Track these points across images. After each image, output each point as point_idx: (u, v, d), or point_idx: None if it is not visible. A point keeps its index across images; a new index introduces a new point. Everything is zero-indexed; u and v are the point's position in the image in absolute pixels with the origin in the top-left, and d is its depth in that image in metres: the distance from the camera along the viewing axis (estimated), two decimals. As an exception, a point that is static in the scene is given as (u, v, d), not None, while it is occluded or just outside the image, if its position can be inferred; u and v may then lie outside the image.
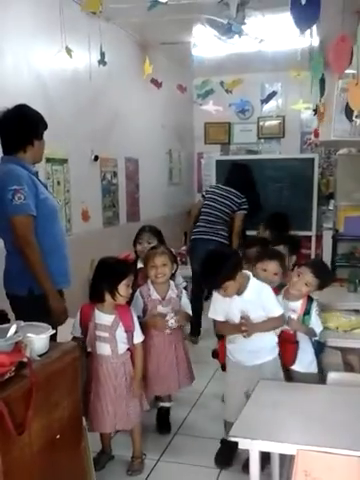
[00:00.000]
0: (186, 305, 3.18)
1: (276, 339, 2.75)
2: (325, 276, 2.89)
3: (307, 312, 2.82)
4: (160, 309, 3.07)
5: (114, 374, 2.72)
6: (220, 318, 2.75)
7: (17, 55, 3.93)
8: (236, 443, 2.79)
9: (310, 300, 2.87)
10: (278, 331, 2.77)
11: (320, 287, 2.87)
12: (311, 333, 2.83)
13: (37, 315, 2.18)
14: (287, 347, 2.77)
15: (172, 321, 3.02)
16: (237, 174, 5.49)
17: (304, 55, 4.09)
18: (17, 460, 1.66)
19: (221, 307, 2.73)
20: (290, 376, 2.80)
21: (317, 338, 2.85)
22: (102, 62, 4.22)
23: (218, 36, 4.40)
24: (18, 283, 2.68)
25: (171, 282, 3.16)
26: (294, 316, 2.81)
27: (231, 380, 2.82)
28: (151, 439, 3.12)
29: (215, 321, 2.83)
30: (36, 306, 2.54)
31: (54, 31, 4.05)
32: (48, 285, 2.61)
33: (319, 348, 2.89)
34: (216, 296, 2.74)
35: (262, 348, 2.71)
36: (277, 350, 2.76)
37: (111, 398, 2.71)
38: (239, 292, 2.64)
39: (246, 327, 2.62)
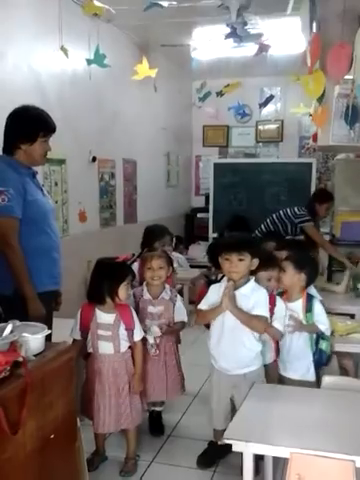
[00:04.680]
0: (180, 310, 3.11)
1: (260, 346, 2.71)
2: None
3: (309, 310, 2.81)
4: (150, 310, 3.06)
5: (116, 373, 2.72)
6: (205, 308, 2.74)
7: (17, 55, 3.94)
8: (222, 448, 2.82)
9: (310, 298, 2.86)
10: (265, 336, 2.76)
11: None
12: (314, 329, 2.79)
13: (23, 315, 2.16)
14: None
15: (155, 329, 2.98)
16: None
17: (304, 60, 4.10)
18: (11, 460, 1.65)
19: (213, 301, 2.69)
20: (284, 383, 2.77)
21: (321, 331, 2.78)
22: (100, 64, 4.16)
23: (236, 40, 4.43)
24: (4, 282, 2.63)
25: (166, 285, 3.14)
26: (297, 316, 2.79)
27: (215, 387, 2.82)
28: (145, 441, 3.12)
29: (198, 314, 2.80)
30: (22, 306, 2.51)
31: (54, 32, 4.05)
32: (27, 288, 2.55)
33: (323, 358, 2.81)
34: (212, 290, 2.74)
35: (246, 356, 2.68)
36: (261, 359, 2.75)
37: (114, 397, 2.72)
38: (236, 287, 2.64)
39: (228, 302, 2.57)
